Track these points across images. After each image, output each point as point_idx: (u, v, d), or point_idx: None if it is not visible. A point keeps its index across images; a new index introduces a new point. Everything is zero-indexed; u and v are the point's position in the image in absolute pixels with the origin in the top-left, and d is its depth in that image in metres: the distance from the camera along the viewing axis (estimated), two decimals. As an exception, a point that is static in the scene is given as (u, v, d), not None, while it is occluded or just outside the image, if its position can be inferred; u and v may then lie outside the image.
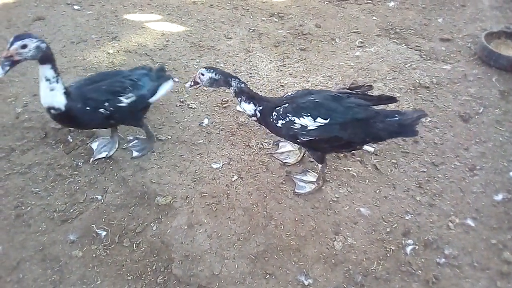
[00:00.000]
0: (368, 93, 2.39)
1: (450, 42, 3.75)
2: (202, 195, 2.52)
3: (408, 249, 2.28)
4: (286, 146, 2.77)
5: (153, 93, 2.68)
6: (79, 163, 2.73)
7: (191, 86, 2.43)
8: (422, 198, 2.52)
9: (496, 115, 3.05)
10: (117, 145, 2.79)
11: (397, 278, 2.17)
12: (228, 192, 2.54)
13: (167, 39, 3.75)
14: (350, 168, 2.66)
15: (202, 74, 2.35)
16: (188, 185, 2.57)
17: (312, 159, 2.61)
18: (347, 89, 2.50)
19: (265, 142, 2.82)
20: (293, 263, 2.23)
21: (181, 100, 3.17)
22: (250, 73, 3.37)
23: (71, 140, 2.85)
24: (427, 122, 2.97)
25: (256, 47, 3.66)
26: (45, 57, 2.23)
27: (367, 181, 2.60)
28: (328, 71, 3.40)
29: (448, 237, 2.34)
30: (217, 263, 2.20)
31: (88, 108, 2.39)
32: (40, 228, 2.39)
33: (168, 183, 2.58)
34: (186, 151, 2.78)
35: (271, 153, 2.75)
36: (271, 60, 3.52)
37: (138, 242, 2.32)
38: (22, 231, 2.39)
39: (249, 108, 2.35)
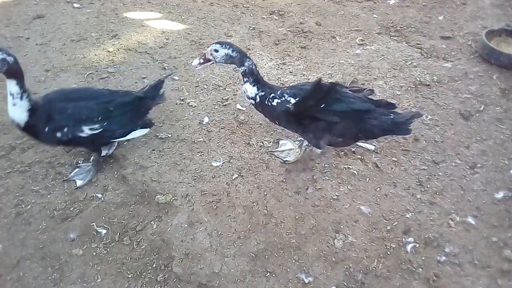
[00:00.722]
0: (369, 97, 2.41)
1: (450, 40, 3.75)
2: (203, 193, 2.51)
3: (409, 247, 2.28)
4: (287, 144, 2.77)
5: (124, 133, 2.46)
6: (79, 162, 2.72)
7: (200, 63, 2.34)
8: (422, 196, 2.51)
9: (497, 113, 3.04)
10: (95, 177, 2.61)
11: (397, 276, 2.16)
12: (229, 190, 2.54)
13: (167, 37, 3.74)
14: (350, 166, 2.65)
15: (216, 51, 2.29)
16: (189, 183, 2.57)
17: (308, 145, 2.62)
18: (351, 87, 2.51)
19: (266, 140, 2.81)
20: (294, 261, 2.22)
21: (181, 98, 3.16)
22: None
23: (71, 138, 2.84)
24: (428, 120, 2.97)
25: (256, 45, 3.65)
26: (11, 72, 2.17)
27: (368, 179, 2.59)
28: (328, 69, 3.39)
29: (449, 235, 2.34)
30: (218, 261, 2.20)
31: (46, 129, 2.29)
32: (40, 226, 2.39)
33: (168, 181, 2.58)
34: (186, 149, 2.78)
35: (271, 151, 2.75)
36: (271, 58, 3.51)
37: (138, 240, 2.32)
38: (22, 229, 2.39)
39: (252, 90, 2.36)
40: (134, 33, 3.79)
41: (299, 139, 2.76)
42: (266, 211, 2.43)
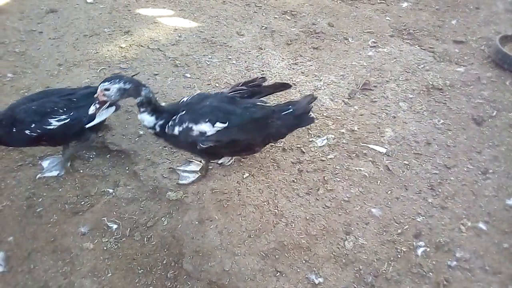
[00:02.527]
0: (264, 84, 2.43)
1: (463, 44, 3.73)
2: (213, 191, 2.52)
3: (419, 251, 2.27)
4: (191, 166, 2.63)
5: (91, 117, 2.41)
6: (91, 156, 2.74)
7: (97, 109, 2.15)
8: (434, 200, 2.50)
9: (510, 118, 3.02)
10: (68, 164, 2.65)
11: (407, 280, 2.16)
12: (239, 189, 2.54)
13: (179, 34, 3.75)
14: (361, 169, 2.65)
15: (107, 89, 2.10)
16: (198, 181, 2.57)
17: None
18: (242, 85, 2.42)
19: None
20: (304, 261, 2.22)
21: (193, 95, 3.16)
22: (262, 71, 3.37)
23: (83, 133, 2.86)
24: (440, 124, 2.96)
25: (268, 45, 3.65)
26: None
27: (379, 181, 2.58)
28: (340, 70, 3.39)
29: (460, 240, 2.33)
30: (228, 259, 2.20)
31: (14, 130, 2.31)
32: (52, 220, 2.41)
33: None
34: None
35: (172, 168, 2.61)
36: (283, 58, 3.51)
37: (149, 236, 2.33)
38: (34, 222, 2.40)
39: (150, 120, 2.21)
40: (147, 29, 3.79)
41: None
42: (276, 210, 2.43)
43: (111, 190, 2.54)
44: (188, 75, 3.31)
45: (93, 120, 2.45)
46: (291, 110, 2.31)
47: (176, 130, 2.18)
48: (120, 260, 2.25)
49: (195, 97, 2.33)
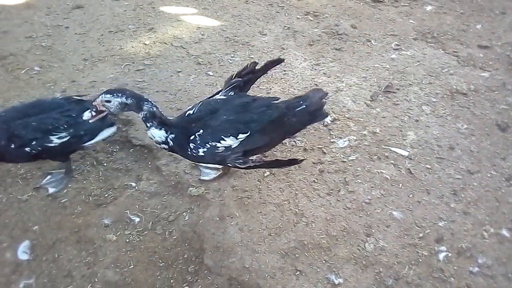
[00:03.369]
0: (256, 68, 2.40)
1: (488, 49, 3.68)
2: (234, 188, 2.53)
3: (441, 255, 2.25)
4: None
5: (92, 136, 2.42)
6: (115, 150, 2.78)
7: (93, 116, 2.10)
8: (456, 206, 2.48)
9: (535, 126, 2.98)
10: (68, 182, 2.59)
11: (428, 284, 2.14)
12: (260, 187, 2.55)
13: (202, 32, 3.78)
14: (383, 171, 2.63)
15: (108, 101, 2.04)
16: (220, 178, 2.59)
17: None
18: (235, 76, 2.38)
19: (298, 140, 2.82)
20: (324, 261, 2.23)
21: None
22: (284, 71, 3.37)
23: (107, 127, 2.90)
24: (463, 129, 2.92)
25: (290, 45, 3.65)
26: None
27: (401, 184, 2.57)
28: (363, 72, 3.37)
29: (482, 246, 2.30)
30: (248, 256, 2.22)
31: (12, 146, 2.22)
32: (76, 211, 2.45)
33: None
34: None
35: (195, 163, 2.58)
36: (305, 59, 3.51)
37: (170, 230, 2.36)
38: (58, 212, 2.45)
39: (160, 134, 2.11)
40: (170, 27, 3.83)
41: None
42: (297, 210, 2.43)
43: (134, 184, 2.58)
44: (211, 73, 3.33)
45: (93, 139, 2.43)
46: (304, 106, 2.31)
47: (201, 151, 2.12)
48: (142, 252, 2.28)
49: (201, 109, 2.21)
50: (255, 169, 2.59)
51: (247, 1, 4.25)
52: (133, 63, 3.42)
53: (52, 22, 3.87)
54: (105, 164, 2.71)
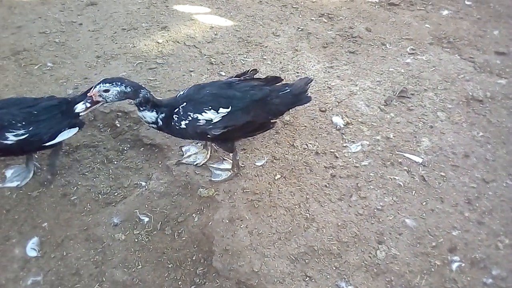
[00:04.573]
0: (255, 77, 2.50)
1: (505, 56, 3.61)
2: (244, 190, 2.51)
3: (454, 265, 2.21)
4: (190, 149, 2.69)
5: (52, 136, 2.31)
6: (125, 148, 2.77)
7: (86, 108, 2.09)
8: (470, 215, 2.43)
9: (553, 135, 2.91)
10: (31, 175, 2.54)
11: (441, 295, 2.10)
12: (271, 190, 2.52)
13: (215, 32, 3.76)
14: (396, 177, 2.59)
15: (106, 91, 2.08)
16: (231, 179, 2.56)
17: (222, 151, 2.63)
18: (234, 77, 2.48)
19: (310, 143, 2.78)
20: (334, 268, 2.19)
21: (227, 94, 3.16)
22: (297, 72, 3.34)
23: (118, 125, 2.89)
24: (479, 136, 2.87)
25: (304, 47, 3.62)
26: None
27: (414, 192, 2.52)
28: (377, 76, 3.33)
29: (497, 257, 2.25)
30: (257, 260, 2.19)
31: None
32: (85, 208, 2.45)
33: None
34: (229, 145, 2.77)
35: (179, 161, 2.62)
36: (318, 61, 3.47)
37: (179, 231, 2.34)
38: (68, 209, 2.45)
39: (150, 116, 2.21)
40: (183, 26, 3.82)
41: (200, 143, 2.71)
42: (308, 214, 2.40)
43: (144, 183, 2.56)
44: (223, 73, 3.31)
45: (54, 139, 2.33)
46: (288, 90, 2.43)
47: (183, 123, 2.21)
48: (151, 253, 2.26)
49: (191, 88, 2.35)
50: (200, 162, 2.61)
51: (261, 1, 4.22)
52: (146, 61, 3.41)
53: (66, 18, 3.88)
54: (115, 163, 2.70)
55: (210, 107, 2.21)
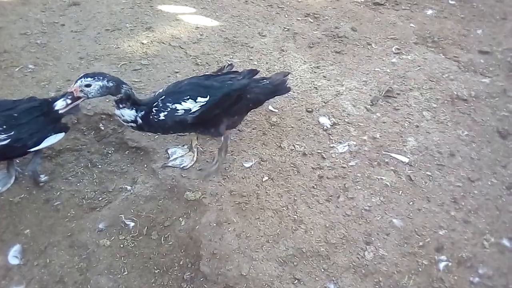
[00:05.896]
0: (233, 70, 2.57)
1: (489, 55, 3.65)
2: (232, 193, 2.48)
3: (441, 265, 2.22)
4: (176, 152, 2.67)
5: (38, 141, 2.23)
6: (110, 152, 2.73)
7: (67, 105, 2.04)
8: (456, 214, 2.45)
9: (536, 133, 2.95)
10: (12, 180, 2.46)
11: (428, 294, 2.11)
12: (258, 192, 2.50)
13: (201, 32, 3.72)
14: (383, 178, 2.60)
15: (88, 85, 2.03)
16: (218, 182, 2.54)
17: (213, 139, 2.69)
18: (212, 73, 2.57)
19: (297, 144, 2.77)
20: (322, 270, 2.18)
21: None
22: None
23: (102, 128, 2.84)
24: (464, 135, 2.89)
25: (290, 47, 3.61)
26: None
27: (401, 192, 2.53)
28: (363, 76, 3.33)
29: (483, 256, 2.27)
30: (245, 264, 2.17)
31: None
32: (69, 214, 2.40)
33: (198, 178, 2.55)
34: (216, 147, 2.74)
35: (165, 164, 2.59)
36: (305, 61, 3.47)
37: (166, 236, 2.31)
38: (51, 215, 2.39)
39: (130, 114, 2.19)
40: (168, 26, 3.77)
41: (186, 145, 2.70)
42: (296, 216, 2.39)
43: (129, 187, 2.52)
44: (212, 74, 3.27)
45: (39, 144, 2.25)
46: (267, 82, 2.51)
47: (162, 115, 2.20)
48: (137, 258, 2.23)
49: (170, 85, 2.36)
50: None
51: (246, 1, 4.19)
52: (130, 62, 3.35)
53: (48, 19, 3.79)
54: (99, 166, 2.65)
55: (188, 97, 2.22)
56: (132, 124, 2.25)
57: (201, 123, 2.31)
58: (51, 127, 2.31)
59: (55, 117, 2.34)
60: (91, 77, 2.04)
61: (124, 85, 2.14)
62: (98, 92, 2.07)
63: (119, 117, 2.24)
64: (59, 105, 2.04)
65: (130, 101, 2.17)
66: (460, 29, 3.95)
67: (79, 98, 2.07)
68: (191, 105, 2.22)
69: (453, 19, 4.08)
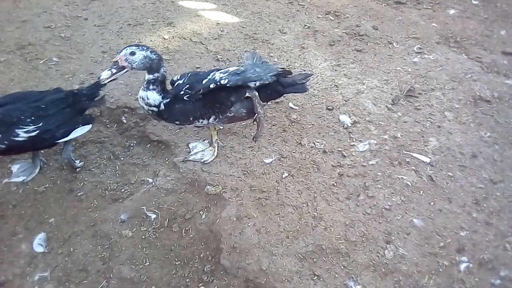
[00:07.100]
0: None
1: (512, 56, 3.60)
2: (252, 188, 2.50)
3: (462, 266, 2.20)
4: (197, 146, 2.69)
5: (66, 132, 2.27)
6: (132, 144, 2.76)
7: (112, 74, 2.04)
8: (478, 215, 2.42)
9: (560, 136, 2.90)
10: (37, 170, 2.51)
11: (449, 295, 2.10)
12: (278, 188, 2.51)
13: (221, 29, 3.74)
14: (404, 177, 2.58)
15: (133, 53, 2.04)
16: (238, 177, 2.56)
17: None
18: None
19: (318, 142, 2.77)
20: (342, 267, 2.18)
21: (234, 91, 3.15)
22: (304, 70, 3.32)
23: (125, 121, 2.88)
24: (486, 137, 2.86)
25: (310, 44, 3.60)
26: None
27: (422, 192, 2.52)
28: (384, 75, 3.31)
29: (505, 258, 2.25)
30: (265, 259, 2.18)
31: None
32: (92, 204, 2.44)
33: (219, 173, 2.57)
34: (236, 142, 2.77)
35: (186, 158, 2.62)
36: (325, 59, 3.46)
37: (187, 229, 2.33)
38: (74, 205, 2.44)
39: (156, 98, 2.17)
40: (189, 22, 3.80)
41: (207, 140, 2.72)
42: (315, 213, 2.39)
43: (150, 180, 2.55)
44: (230, 70, 3.29)
45: (67, 135, 2.29)
46: (289, 78, 2.53)
47: (186, 96, 2.24)
48: (158, 250, 2.25)
49: (190, 75, 2.34)
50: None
51: (267, -2, 4.20)
52: (152, 57, 3.38)
53: (71, 13, 3.85)
54: (122, 159, 2.68)
55: (216, 71, 2.26)
56: (154, 109, 2.20)
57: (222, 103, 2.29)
58: (78, 119, 2.36)
59: (80, 109, 2.41)
60: (136, 46, 2.07)
61: (164, 65, 2.15)
62: (142, 62, 2.06)
63: (143, 99, 2.19)
64: (104, 74, 2.03)
65: (162, 86, 2.17)
66: (483, 30, 3.89)
67: (123, 67, 2.06)
68: (220, 75, 2.21)
69: (476, 19, 4.02)
